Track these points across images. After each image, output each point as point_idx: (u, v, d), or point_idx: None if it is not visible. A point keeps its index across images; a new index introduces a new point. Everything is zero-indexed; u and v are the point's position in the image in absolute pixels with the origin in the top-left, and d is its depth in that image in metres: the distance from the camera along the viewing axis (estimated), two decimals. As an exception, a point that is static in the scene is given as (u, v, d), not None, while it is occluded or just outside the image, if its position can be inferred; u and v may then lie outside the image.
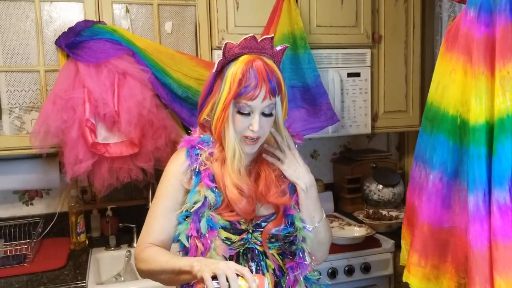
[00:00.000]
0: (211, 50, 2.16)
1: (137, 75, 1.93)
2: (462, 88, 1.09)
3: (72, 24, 1.96)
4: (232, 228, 1.27)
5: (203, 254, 1.23)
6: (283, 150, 1.32)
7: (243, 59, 1.22)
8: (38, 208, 2.33)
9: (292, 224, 1.29)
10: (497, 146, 0.97)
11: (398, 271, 2.24)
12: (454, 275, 1.14)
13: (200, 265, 1.09)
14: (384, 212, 2.45)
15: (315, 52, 2.22)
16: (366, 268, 2.13)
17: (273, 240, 1.28)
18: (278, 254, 1.31)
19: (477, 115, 0.99)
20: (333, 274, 2.08)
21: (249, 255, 1.28)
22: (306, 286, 1.32)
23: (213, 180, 1.27)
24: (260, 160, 1.33)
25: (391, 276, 2.22)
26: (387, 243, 2.22)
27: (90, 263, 2.04)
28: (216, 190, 1.26)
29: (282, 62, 2.15)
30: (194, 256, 1.24)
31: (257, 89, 1.19)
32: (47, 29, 1.98)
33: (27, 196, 2.32)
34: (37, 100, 1.99)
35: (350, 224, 2.36)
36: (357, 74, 2.38)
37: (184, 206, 1.27)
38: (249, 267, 1.27)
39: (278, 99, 1.26)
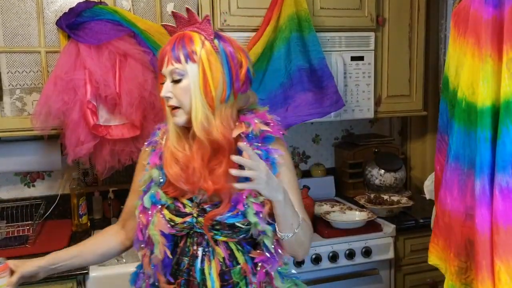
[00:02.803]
0: (214, 32, 2.14)
1: (138, 57, 1.92)
2: (469, 71, 1.07)
3: (73, 4, 1.94)
4: (176, 210, 1.27)
5: (145, 228, 1.26)
6: (252, 167, 1.14)
7: None
8: (40, 190, 2.33)
9: (243, 215, 1.23)
10: (502, 130, 0.95)
11: (399, 255, 2.25)
12: (454, 259, 1.14)
13: None
14: (385, 197, 2.45)
15: (319, 35, 2.19)
16: (366, 252, 2.14)
17: (218, 227, 1.24)
18: (235, 243, 1.27)
19: (484, 98, 0.98)
20: (333, 258, 2.09)
21: (196, 239, 1.28)
22: (282, 280, 1.29)
23: (161, 157, 1.30)
24: (195, 145, 1.26)
25: (391, 260, 2.22)
26: (388, 228, 2.22)
27: (92, 244, 2.05)
28: (162, 168, 1.28)
29: (289, 44, 2.10)
30: (141, 231, 1.28)
31: (164, 56, 1.23)
32: (48, 9, 1.96)
33: (29, 178, 2.32)
34: (38, 81, 1.98)
35: (351, 209, 2.36)
36: (361, 58, 2.36)
37: (139, 185, 1.32)
38: (194, 251, 1.27)
39: (192, 66, 1.21)
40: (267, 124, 1.30)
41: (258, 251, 1.27)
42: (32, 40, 1.96)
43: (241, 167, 1.16)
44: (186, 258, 1.27)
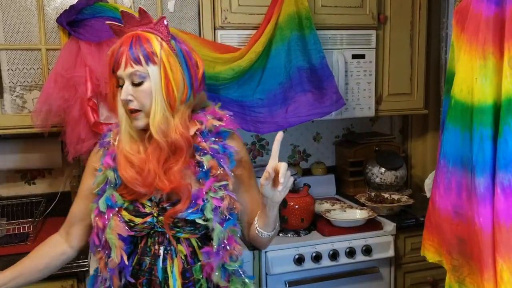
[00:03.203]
0: (214, 29, 2.13)
1: (139, 55, 1.91)
2: (463, 69, 1.07)
3: (74, 2, 1.93)
4: (135, 210, 1.27)
5: (102, 232, 1.25)
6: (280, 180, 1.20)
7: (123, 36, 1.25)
8: (40, 187, 2.33)
9: (202, 211, 1.25)
10: (504, 128, 0.95)
11: (399, 253, 2.25)
12: (447, 256, 1.14)
13: None
14: (386, 195, 2.44)
15: (319, 33, 2.18)
16: (367, 250, 2.14)
17: (179, 224, 1.25)
18: (196, 239, 1.28)
19: (485, 96, 0.97)
20: (334, 256, 2.09)
21: (157, 239, 1.27)
22: (224, 275, 1.28)
23: (114, 159, 1.29)
24: (151, 150, 1.25)
25: (392, 258, 2.22)
26: (389, 226, 2.22)
27: (92, 242, 2.05)
28: (116, 170, 1.27)
29: (289, 43, 2.10)
30: (97, 235, 1.27)
31: (121, 57, 1.20)
32: (49, 6, 1.96)
33: (30, 175, 2.32)
34: (38, 78, 1.97)
35: (351, 207, 2.36)
36: (362, 56, 2.35)
37: (92, 188, 1.31)
38: (156, 250, 1.26)
39: (153, 68, 1.21)
40: (219, 119, 1.32)
41: (209, 243, 1.27)
42: (32, 37, 1.95)
43: (199, 166, 1.25)
44: (147, 258, 1.27)
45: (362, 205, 2.37)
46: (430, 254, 1.23)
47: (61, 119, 1.90)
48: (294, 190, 2.22)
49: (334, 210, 2.30)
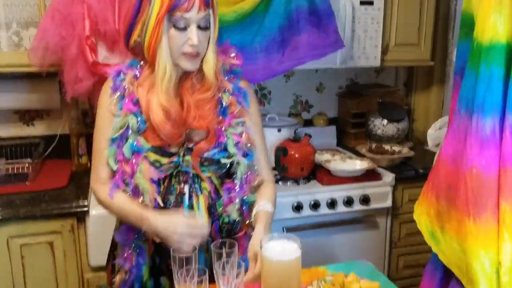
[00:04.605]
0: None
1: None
2: (477, 5, 1.01)
3: None
4: (161, 151, 1.26)
5: (130, 177, 1.25)
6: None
7: None
8: (39, 129, 2.32)
9: (225, 149, 1.29)
10: (517, 68, 0.92)
11: (397, 204, 2.26)
12: (434, 202, 1.13)
13: (149, 227, 1.20)
14: (387, 147, 2.43)
15: (327, -24, 2.09)
16: (365, 200, 2.15)
17: (205, 163, 1.28)
18: (217, 177, 1.32)
19: (498, 34, 0.93)
20: (332, 204, 2.10)
21: (181, 177, 1.29)
22: (242, 208, 1.33)
23: (136, 104, 1.26)
24: (184, 84, 1.27)
25: (389, 208, 2.24)
26: (388, 177, 2.22)
27: (91, 184, 2.05)
28: (140, 114, 1.25)
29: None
30: (122, 179, 1.26)
31: None
32: None
33: (28, 116, 2.29)
34: (35, 15, 1.91)
35: (351, 158, 2.35)
36: (370, 3, 2.27)
37: (111, 132, 1.27)
38: (182, 189, 1.29)
39: (210, 12, 1.22)
40: (232, 57, 1.35)
41: (229, 180, 1.33)
42: (28, -28, 1.88)
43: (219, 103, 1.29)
44: (172, 197, 1.29)
45: (362, 156, 2.36)
46: (417, 204, 1.21)
47: (59, 57, 1.85)
48: (295, 139, 2.20)
49: (334, 160, 2.29)
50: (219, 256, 1.01)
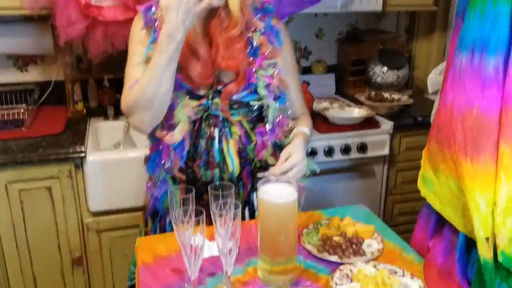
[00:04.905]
0: None
1: None
2: None
3: None
4: (190, 93, 1.24)
5: (170, 111, 1.22)
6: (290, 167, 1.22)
7: None
8: (33, 75, 2.28)
9: (255, 92, 1.25)
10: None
11: (394, 152, 2.27)
12: (427, 145, 1.13)
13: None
14: (386, 95, 2.41)
15: None
16: (362, 148, 2.15)
17: (235, 106, 1.25)
18: (248, 121, 1.29)
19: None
20: (329, 152, 2.10)
21: (211, 121, 1.27)
22: (275, 151, 1.31)
23: None
24: (212, 21, 1.22)
25: (386, 156, 2.25)
26: (386, 125, 2.21)
27: (88, 131, 2.04)
28: None
29: None
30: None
31: None
32: None
33: (21, 62, 2.25)
34: (23, -46, 1.83)
35: (350, 106, 2.33)
36: None
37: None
38: (212, 133, 1.27)
39: None
40: None
41: (261, 124, 1.30)
42: None
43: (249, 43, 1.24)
44: (202, 140, 1.27)
45: (361, 104, 2.34)
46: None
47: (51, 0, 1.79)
48: (293, 86, 2.17)
49: (332, 108, 2.27)
50: (216, 198, 1.02)
